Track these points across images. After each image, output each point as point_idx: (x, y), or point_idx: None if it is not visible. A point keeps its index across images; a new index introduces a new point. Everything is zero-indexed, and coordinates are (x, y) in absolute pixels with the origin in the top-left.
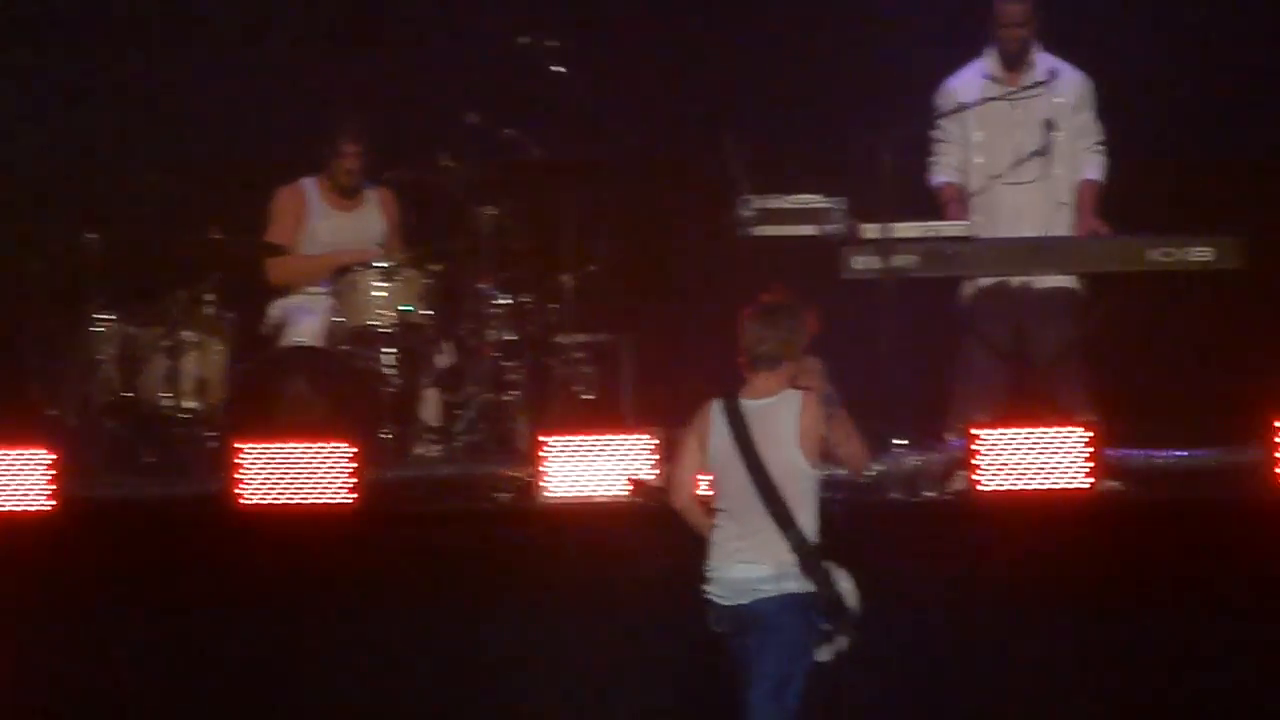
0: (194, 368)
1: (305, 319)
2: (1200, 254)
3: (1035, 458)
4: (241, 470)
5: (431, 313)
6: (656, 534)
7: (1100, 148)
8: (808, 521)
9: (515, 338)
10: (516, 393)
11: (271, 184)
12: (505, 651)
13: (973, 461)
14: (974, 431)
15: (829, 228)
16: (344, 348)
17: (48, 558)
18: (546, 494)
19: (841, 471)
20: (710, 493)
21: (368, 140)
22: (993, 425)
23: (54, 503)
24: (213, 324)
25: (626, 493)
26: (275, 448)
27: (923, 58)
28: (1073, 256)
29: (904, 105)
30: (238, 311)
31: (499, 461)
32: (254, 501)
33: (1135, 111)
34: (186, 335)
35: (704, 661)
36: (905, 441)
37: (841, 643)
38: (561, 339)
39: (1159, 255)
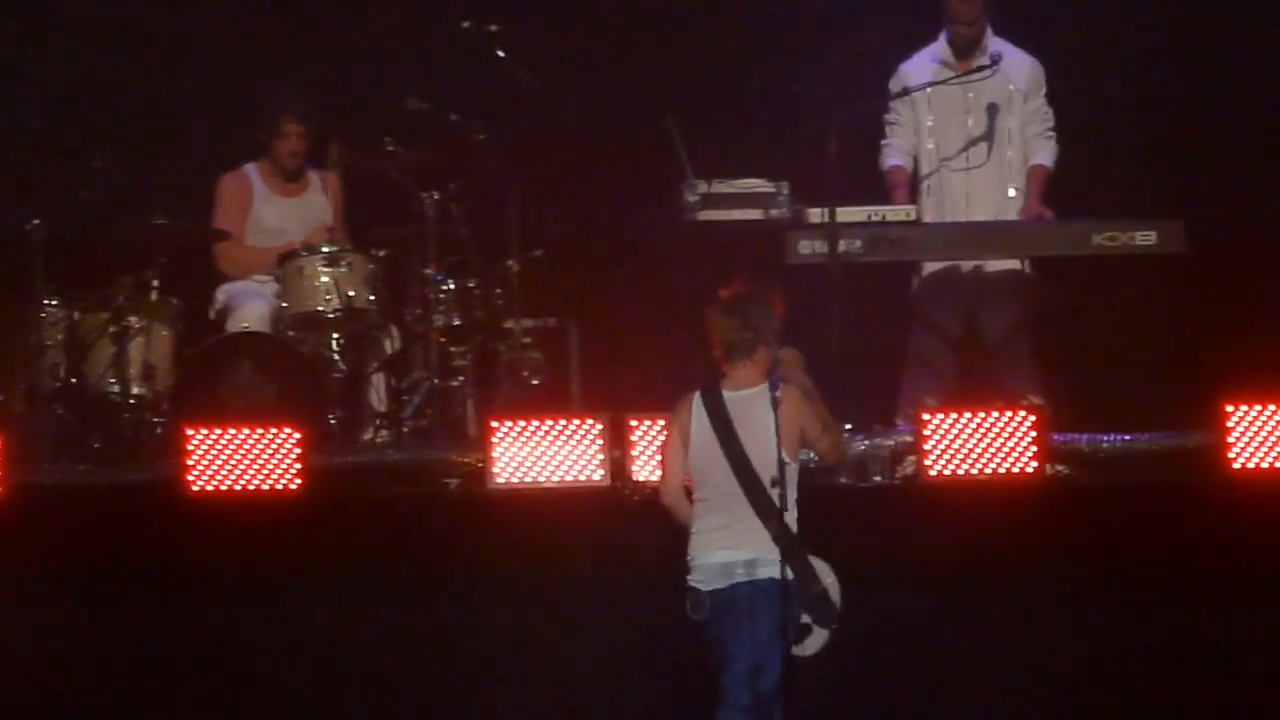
0: (140, 353)
1: (251, 305)
2: (1144, 238)
3: (983, 442)
4: (191, 456)
5: (377, 298)
6: (606, 519)
7: (1051, 133)
8: (789, 512)
9: (462, 323)
10: (464, 378)
11: (216, 169)
12: (454, 637)
13: (923, 447)
14: (923, 416)
15: (774, 212)
16: (290, 333)
17: None
18: (495, 479)
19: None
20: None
21: (310, 121)
22: (941, 410)
23: (1, 489)
24: (159, 309)
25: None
26: (222, 434)
27: (869, 42)
28: (1018, 241)
29: (850, 89)
30: (184, 297)
31: (447, 447)
32: (202, 487)
33: (1078, 97)
34: (133, 321)
35: (653, 644)
36: (852, 427)
37: (822, 635)
38: (509, 324)
39: (1103, 239)
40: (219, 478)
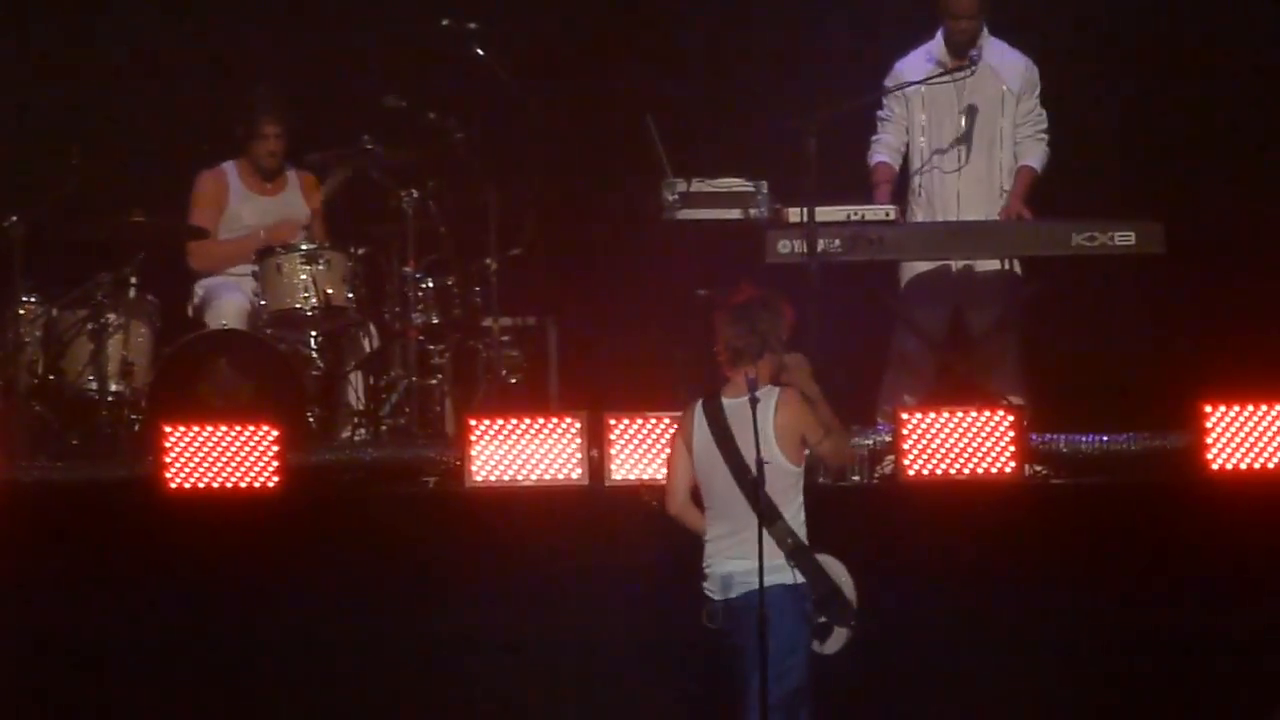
0: (119, 350)
1: (229, 302)
2: (1123, 239)
3: (961, 442)
4: (170, 454)
5: (356, 296)
6: (584, 517)
7: (1043, 136)
8: (793, 516)
9: (440, 321)
10: (442, 376)
11: (194, 167)
12: (432, 636)
13: (902, 446)
14: (902, 416)
15: (753, 212)
16: (268, 331)
17: None
18: (473, 477)
19: None
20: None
21: (288, 121)
22: (920, 409)
23: None
24: (137, 306)
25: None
26: (200, 431)
27: (848, 41)
28: (997, 241)
29: (830, 88)
30: (161, 294)
31: (425, 445)
32: (180, 485)
33: (1059, 97)
34: (111, 318)
35: (627, 642)
36: None
37: (841, 634)
38: (487, 323)
39: (1082, 240)
40: (196, 475)
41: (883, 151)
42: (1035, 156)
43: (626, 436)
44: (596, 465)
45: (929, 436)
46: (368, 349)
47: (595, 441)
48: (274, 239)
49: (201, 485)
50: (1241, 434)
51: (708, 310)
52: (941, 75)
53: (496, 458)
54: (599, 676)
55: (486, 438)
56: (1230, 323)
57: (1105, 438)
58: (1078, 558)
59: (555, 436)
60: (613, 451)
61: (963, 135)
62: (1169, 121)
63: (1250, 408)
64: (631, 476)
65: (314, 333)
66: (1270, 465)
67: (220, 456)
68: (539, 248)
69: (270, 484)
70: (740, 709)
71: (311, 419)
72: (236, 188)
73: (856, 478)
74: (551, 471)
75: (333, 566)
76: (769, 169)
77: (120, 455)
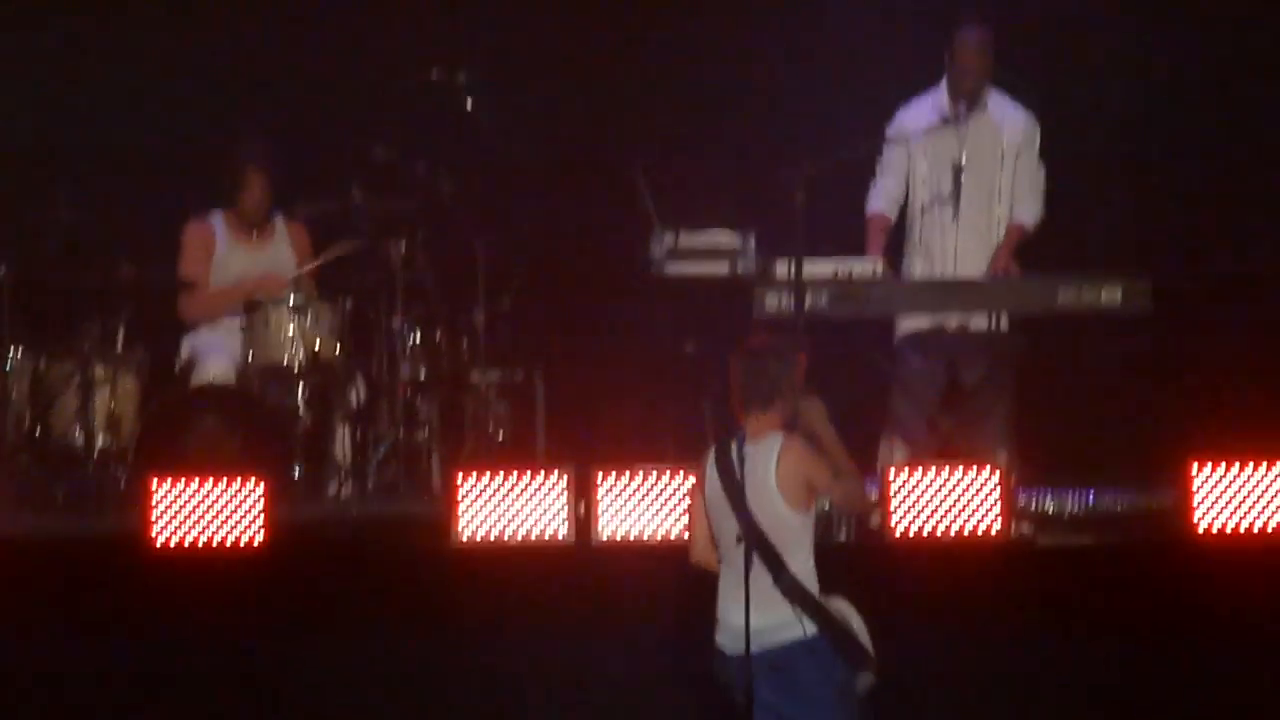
0: (106, 403)
1: (216, 356)
2: (1109, 296)
3: (947, 500)
4: (156, 508)
5: (343, 349)
6: (570, 574)
7: (1039, 192)
8: (801, 565)
9: (428, 375)
10: (429, 431)
11: (182, 218)
12: (420, 691)
13: (888, 507)
14: (889, 472)
15: (741, 267)
16: (255, 384)
17: None
18: (460, 536)
19: None
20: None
21: (274, 170)
22: (908, 465)
23: None
24: (124, 360)
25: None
26: (186, 485)
27: (838, 93)
28: (983, 297)
29: (819, 138)
30: (149, 348)
31: (412, 501)
32: (165, 541)
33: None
34: (98, 371)
35: (614, 704)
36: None
37: (866, 679)
38: (474, 376)
39: (1070, 297)
40: (182, 531)
41: (880, 200)
42: (1029, 213)
43: (615, 491)
44: (583, 521)
45: (916, 494)
46: (355, 402)
47: (583, 494)
48: (260, 291)
49: (187, 543)
50: (1229, 494)
51: (696, 363)
52: (939, 130)
53: (484, 514)
54: None
55: (474, 493)
56: (1220, 379)
57: (1091, 496)
58: (1062, 619)
59: (543, 492)
60: (600, 509)
61: (962, 188)
62: (1157, 178)
63: (1238, 466)
64: (619, 534)
65: (301, 386)
66: (1255, 529)
67: (206, 511)
68: (526, 301)
69: (255, 541)
70: None
71: (298, 473)
72: (223, 238)
73: (843, 538)
74: (539, 528)
75: (319, 623)
76: (761, 213)
77: (106, 510)
